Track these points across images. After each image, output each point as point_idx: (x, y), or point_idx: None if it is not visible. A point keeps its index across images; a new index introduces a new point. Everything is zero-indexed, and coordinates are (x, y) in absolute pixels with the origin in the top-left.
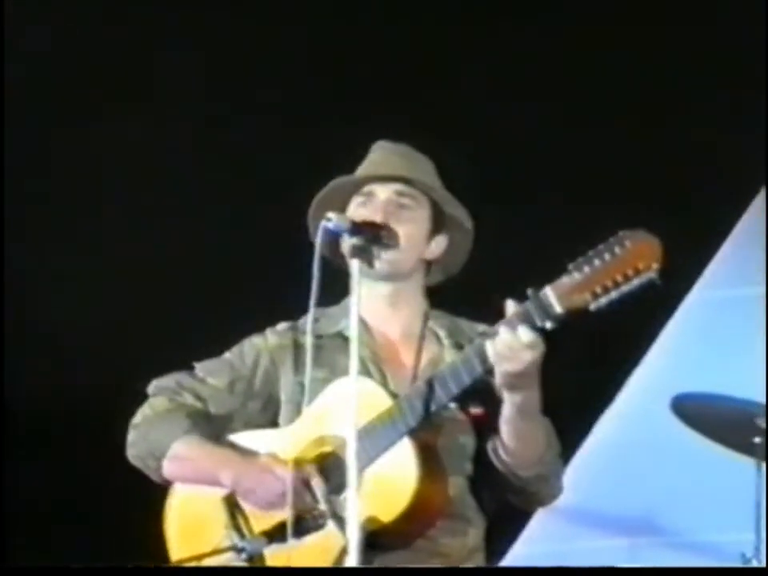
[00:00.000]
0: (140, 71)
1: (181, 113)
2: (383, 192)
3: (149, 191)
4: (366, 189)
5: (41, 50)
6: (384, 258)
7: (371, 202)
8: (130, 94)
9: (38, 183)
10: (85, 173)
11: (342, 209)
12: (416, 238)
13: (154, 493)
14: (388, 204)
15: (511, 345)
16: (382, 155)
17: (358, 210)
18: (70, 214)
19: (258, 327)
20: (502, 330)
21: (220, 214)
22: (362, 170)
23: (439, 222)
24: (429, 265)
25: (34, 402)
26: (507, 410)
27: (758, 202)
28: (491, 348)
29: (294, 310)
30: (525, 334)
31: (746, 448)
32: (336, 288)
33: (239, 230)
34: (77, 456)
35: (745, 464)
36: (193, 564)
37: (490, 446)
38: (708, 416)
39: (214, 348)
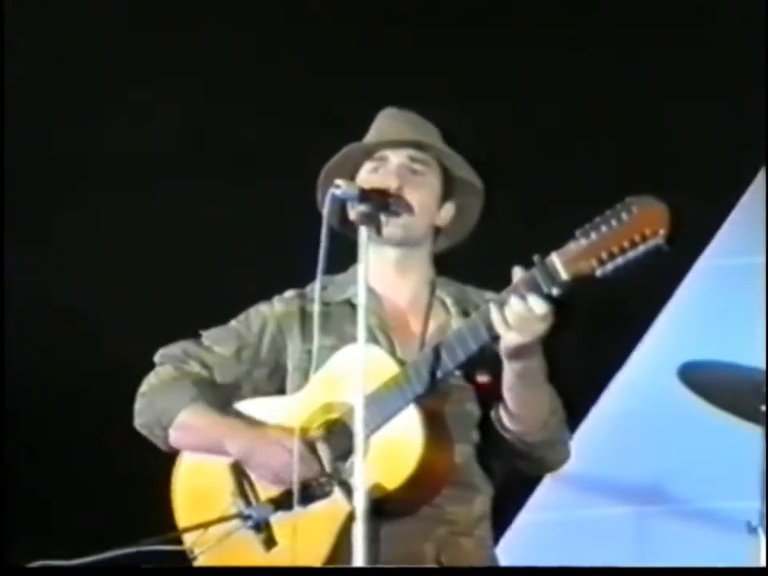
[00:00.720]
0: (138, 65)
1: (183, 92)
2: (396, 157)
3: (155, 164)
4: (378, 154)
5: (41, 49)
6: (397, 223)
7: (384, 168)
8: (129, 85)
9: (37, 174)
10: (85, 156)
11: (352, 175)
12: (429, 204)
13: (160, 469)
14: (401, 169)
15: (524, 315)
16: (390, 121)
17: (369, 176)
18: (70, 199)
19: (266, 295)
20: (513, 300)
21: (228, 184)
22: (371, 137)
23: (449, 188)
24: (437, 232)
25: (35, 398)
26: (509, 377)
27: (763, 174)
28: (498, 316)
29: (302, 278)
30: (538, 306)
31: (752, 416)
32: (344, 256)
33: (248, 200)
34: (78, 440)
35: (751, 431)
36: (199, 531)
37: (493, 413)
38: (715, 384)
39: (222, 316)
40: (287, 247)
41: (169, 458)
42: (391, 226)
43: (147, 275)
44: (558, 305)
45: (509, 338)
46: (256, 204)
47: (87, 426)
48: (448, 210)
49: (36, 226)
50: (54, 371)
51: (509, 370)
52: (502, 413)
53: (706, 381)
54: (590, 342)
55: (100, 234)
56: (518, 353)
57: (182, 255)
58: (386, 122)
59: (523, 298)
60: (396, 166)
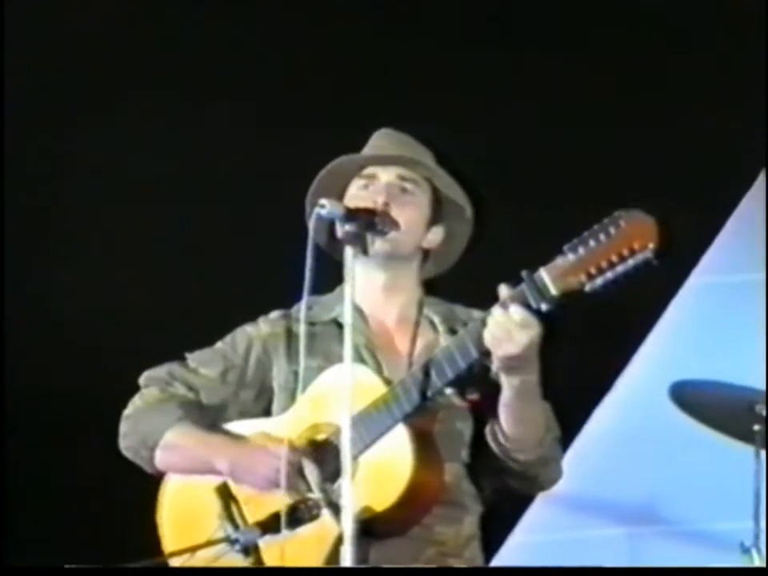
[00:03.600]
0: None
1: (180, 104)
2: (385, 174)
3: (145, 184)
4: (368, 171)
5: (42, 48)
6: (384, 238)
7: (373, 185)
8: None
9: (38, 175)
10: (84, 168)
11: (341, 191)
12: (416, 223)
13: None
14: (390, 187)
15: (505, 325)
16: (383, 140)
17: (359, 192)
18: (69, 206)
19: (252, 316)
20: (496, 312)
21: (214, 203)
22: (364, 153)
23: (438, 212)
24: (425, 255)
25: (34, 399)
26: (506, 394)
27: (758, 186)
28: (487, 333)
29: (288, 299)
30: (517, 313)
31: (745, 435)
32: (330, 278)
33: (232, 219)
34: (76, 450)
35: (744, 452)
36: (186, 555)
37: (488, 430)
38: (707, 403)
39: (208, 338)
40: (273, 267)
41: (155, 480)
42: (378, 242)
43: (132, 293)
44: (543, 317)
45: (498, 352)
46: (241, 224)
47: (72, 450)
48: (436, 233)
49: (35, 233)
50: (50, 382)
51: (506, 386)
52: (497, 429)
53: (697, 400)
54: (581, 360)
55: (99, 225)
56: (510, 366)
57: (166, 273)
58: (379, 141)
59: (505, 308)
60: (385, 183)
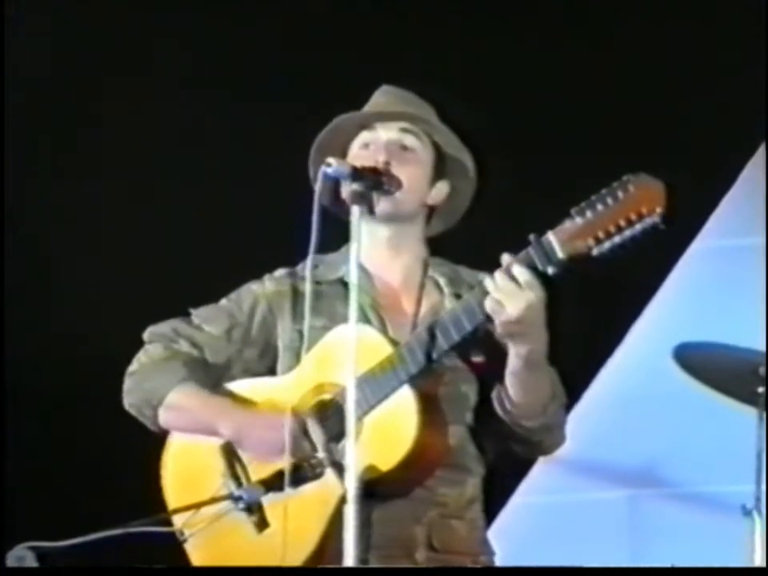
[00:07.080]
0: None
1: (181, 72)
2: (386, 132)
3: (150, 143)
4: (369, 128)
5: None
6: (387, 198)
7: (374, 143)
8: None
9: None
10: (88, 144)
11: (344, 149)
12: (419, 180)
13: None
14: (390, 144)
15: (504, 289)
16: (384, 97)
17: (360, 151)
18: (72, 174)
19: (257, 274)
20: (497, 275)
21: (220, 162)
22: (365, 110)
23: (441, 168)
24: (430, 212)
25: (27, 382)
26: (513, 361)
27: (763, 150)
28: (488, 298)
29: (293, 257)
30: (519, 273)
31: (748, 398)
32: (335, 236)
33: (237, 178)
34: (78, 407)
35: (747, 414)
36: (189, 512)
37: (494, 396)
38: (711, 365)
39: (213, 295)
40: (278, 225)
41: (158, 438)
42: (381, 202)
43: (137, 251)
44: (547, 281)
45: (500, 316)
46: (246, 183)
47: (75, 409)
48: (440, 189)
49: (34, 218)
50: (46, 354)
51: (513, 355)
52: (503, 396)
53: (701, 362)
54: (584, 322)
55: (96, 213)
56: (512, 332)
57: (172, 232)
58: (380, 98)
59: (507, 272)
60: (385, 141)
